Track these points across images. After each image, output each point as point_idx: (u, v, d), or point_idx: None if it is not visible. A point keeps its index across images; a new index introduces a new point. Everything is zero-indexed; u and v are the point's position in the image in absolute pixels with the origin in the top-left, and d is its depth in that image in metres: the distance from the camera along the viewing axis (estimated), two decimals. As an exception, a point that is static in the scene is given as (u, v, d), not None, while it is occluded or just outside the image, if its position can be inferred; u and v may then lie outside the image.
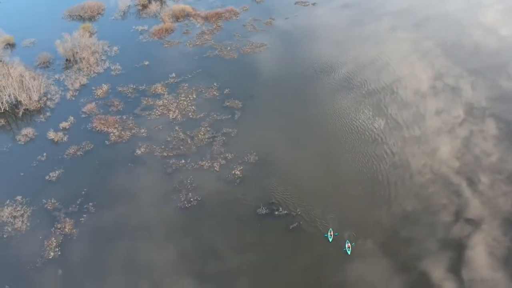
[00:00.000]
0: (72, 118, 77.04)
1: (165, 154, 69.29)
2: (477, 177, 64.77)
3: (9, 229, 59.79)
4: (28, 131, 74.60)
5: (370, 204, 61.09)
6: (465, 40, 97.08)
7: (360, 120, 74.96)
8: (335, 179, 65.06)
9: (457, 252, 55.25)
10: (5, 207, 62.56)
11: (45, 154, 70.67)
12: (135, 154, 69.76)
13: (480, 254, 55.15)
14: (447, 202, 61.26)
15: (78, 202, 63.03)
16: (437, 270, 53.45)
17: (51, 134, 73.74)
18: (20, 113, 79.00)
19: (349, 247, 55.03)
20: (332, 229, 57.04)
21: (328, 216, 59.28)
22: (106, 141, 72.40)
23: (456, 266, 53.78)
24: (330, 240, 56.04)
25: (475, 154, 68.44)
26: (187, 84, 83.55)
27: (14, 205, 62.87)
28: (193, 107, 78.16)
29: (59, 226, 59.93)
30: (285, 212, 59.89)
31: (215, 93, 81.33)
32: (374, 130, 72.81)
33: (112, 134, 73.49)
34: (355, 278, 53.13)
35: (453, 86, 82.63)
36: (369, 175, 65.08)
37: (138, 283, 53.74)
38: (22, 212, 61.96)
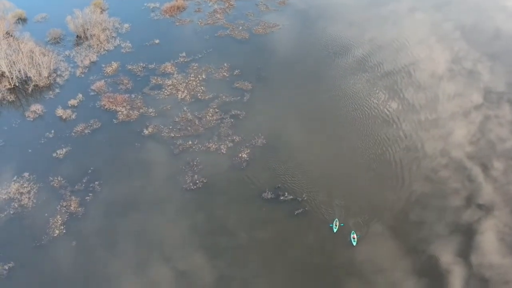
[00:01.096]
0: (80, 95, 76.61)
1: (173, 135, 68.64)
2: (490, 162, 64.15)
3: (16, 205, 60.02)
4: (37, 107, 74.45)
5: (381, 188, 60.49)
6: (485, 23, 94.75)
7: (373, 103, 74.03)
8: (345, 163, 64.14)
9: (467, 237, 55.15)
10: (13, 183, 62.75)
11: (53, 131, 70.55)
12: (142, 134, 69.24)
13: (490, 240, 54.97)
14: (459, 187, 60.96)
15: (84, 181, 62.92)
16: (446, 254, 53.37)
17: (60, 111, 73.49)
18: (30, 89, 78.80)
19: (354, 238, 54.08)
20: (338, 219, 56.05)
21: (335, 202, 58.49)
22: (114, 120, 71.94)
23: (465, 251, 53.73)
24: (335, 230, 55.11)
25: (490, 140, 67.73)
26: (197, 64, 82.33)
27: (21, 181, 63.01)
28: (202, 87, 77.09)
29: (64, 204, 59.99)
30: (291, 197, 59.13)
31: (225, 74, 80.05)
32: (388, 113, 72.04)
33: (120, 113, 72.98)
34: (362, 259, 52.95)
35: (470, 70, 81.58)
36: (381, 159, 64.34)
37: (141, 262, 53.68)
38: (29, 188, 62.10)
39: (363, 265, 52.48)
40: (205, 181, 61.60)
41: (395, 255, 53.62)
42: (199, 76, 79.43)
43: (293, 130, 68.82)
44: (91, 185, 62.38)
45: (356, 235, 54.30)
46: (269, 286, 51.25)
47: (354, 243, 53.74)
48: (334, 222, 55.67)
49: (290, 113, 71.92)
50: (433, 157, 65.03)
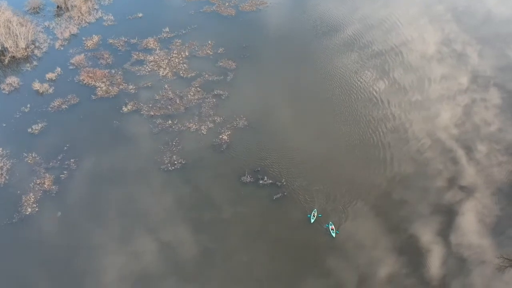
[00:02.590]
0: (59, 69, 74.20)
1: (152, 113, 66.96)
2: (474, 145, 64.71)
3: (-13, 182, 58.33)
4: (12, 80, 72.01)
5: (365, 170, 60.35)
6: (477, 6, 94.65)
7: (361, 83, 73.48)
8: (328, 147, 63.38)
9: (447, 217, 56.06)
10: (-15, 158, 60.89)
11: (29, 105, 68.38)
12: (121, 111, 67.44)
13: (470, 221, 55.94)
14: (442, 168, 61.46)
15: (59, 158, 61.26)
16: (427, 233, 54.21)
17: (36, 85, 71.17)
18: (6, 60, 76.16)
19: (332, 229, 53.31)
20: (316, 210, 55.08)
21: (315, 187, 57.68)
22: (92, 96, 69.89)
23: (445, 231, 54.69)
24: (312, 221, 54.14)
25: (475, 123, 68.08)
26: (180, 40, 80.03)
27: (-6, 157, 61.18)
28: (184, 65, 75.06)
29: (38, 181, 58.43)
30: (270, 181, 58.12)
31: (208, 51, 77.96)
32: (375, 93, 71.71)
33: (99, 88, 70.90)
34: (344, 237, 53.20)
35: (460, 53, 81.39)
36: (366, 140, 64.09)
37: (108, 243, 52.75)
38: (2, 164, 60.32)
39: (344, 243, 52.70)
40: (183, 162, 60.32)
41: (377, 233, 54.01)
42: (182, 53, 77.27)
43: (276, 112, 67.49)
44: (66, 163, 60.74)
45: (335, 229, 53.40)
46: (250, 260, 51.15)
47: (334, 235, 52.94)
48: (312, 212, 54.65)
49: (274, 94, 70.43)
50: (418, 138, 65.14)
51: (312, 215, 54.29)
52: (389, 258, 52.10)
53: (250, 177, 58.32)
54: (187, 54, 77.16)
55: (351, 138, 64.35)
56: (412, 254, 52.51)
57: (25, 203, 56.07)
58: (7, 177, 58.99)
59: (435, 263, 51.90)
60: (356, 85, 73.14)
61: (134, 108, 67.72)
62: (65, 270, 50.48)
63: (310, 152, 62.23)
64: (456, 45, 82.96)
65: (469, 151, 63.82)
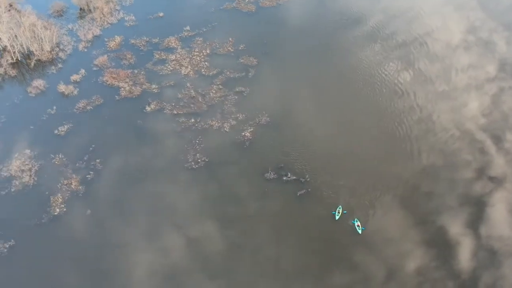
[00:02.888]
0: (83, 71, 75.28)
1: (175, 112, 67.28)
2: (503, 135, 63.38)
3: (17, 183, 59.61)
4: (39, 83, 73.37)
5: (391, 162, 59.70)
6: None
7: (385, 75, 72.50)
8: (352, 139, 62.72)
9: (477, 208, 55.09)
10: (14, 160, 62.24)
11: (54, 107, 69.57)
12: (145, 110, 67.99)
13: (500, 212, 54.83)
14: (471, 159, 60.50)
15: (85, 159, 62.16)
16: (456, 225, 53.34)
17: (62, 87, 72.38)
18: (32, 63, 77.60)
19: (358, 226, 52.66)
20: (341, 207, 54.42)
21: (339, 182, 57.03)
22: (116, 96, 70.67)
23: (475, 223, 53.73)
24: (337, 218, 53.58)
25: (503, 112, 66.70)
26: (201, 38, 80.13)
27: (23, 158, 62.46)
28: (206, 63, 75.14)
29: (65, 182, 59.42)
30: (294, 177, 57.73)
31: (229, 48, 77.82)
32: (400, 84, 70.78)
33: (122, 88, 71.64)
34: (371, 230, 52.71)
35: (486, 41, 79.73)
36: (392, 133, 63.32)
37: (136, 240, 53.28)
38: (30, 166, 61.57)
39: (372, 236, 52.13)
40: (207, 160, 60.47)
41: (404, 226, 53.40)
42: (203, 51, 77.36)
43: (299, 107, 66.95)
44: (92, 163, 61.62)
45: (360, 225, 52.74)
46: (277, 254, 51.17)
47: (360, 231, 52.31)
48: (337, 209, 54.02)
49: (296, 90, 69.88)
50: (446, 129, 64.11)
51: (337, 212, 53.71)
52: (417, 251, 51.38)
53: (274, 174, 58.05)
54: (208, 52, 77.22)
55: (375, 131, 63.46)
56: (441, 246, 51.68)
57: (53, 204, 57.09)
58: (36, 179, 60.17)
59: (464, 256, 50.98)
60: (380, 77, 72.02)
61: (157, 107, 68.16)
62: (95, 267, 51.26)
63: (333, 147, 61.62)
64: (482, 32, 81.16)
65: (498, 141, 62.43)
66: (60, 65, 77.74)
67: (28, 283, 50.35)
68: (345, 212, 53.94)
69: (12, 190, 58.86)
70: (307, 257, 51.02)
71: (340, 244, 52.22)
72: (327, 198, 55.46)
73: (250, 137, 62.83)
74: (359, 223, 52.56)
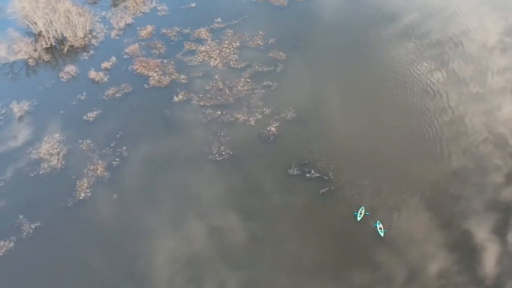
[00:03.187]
0: (114, 58, 76.19)
1: (202, 103, 67.51)
2: None
3: (45, 166, 60.97)
4: (70, 68, 74.69)
5: (418, 162, 58.73)
6: None
7: (417, 74, 70.94)
8: (379, 139, 61.73)
9: (504, 214, 53.90)
10: (44, 143, 63.66)
11: (85, 93, 70.79)
12: (172, 100, 68.45)
13: None
14: (501, 164, 59.13)
15: (112, 145, 63.09)
16: (482, 230, 52.32)
17: (93, 74, 73.50)
18: (65, 49, 78.97)
19: (381, 229, 51.80)
20: (364, 208, 53.63)
21: (363, 182, 56.28)
22: (145, 85, 71.34)
23: (502, 229, 52.59)
24: (359, 219, 52.80)
25: None
26: (232, 31, 79.88)
27: (52, 142, 63.82)
28: (235, 55, 74.97)
29: (92, 167, 60.47)
30: (317, 175, 57.21)
31: (259, 42, 77.38)
32: (433, 84, 69.19)
33: (151, 78, 72.24)
34: (394, 231, 52.14)
35: None
36: (421, 133, 62.11)
37: (160, 227, 54.06)
38: (59, 150, 62.87)
39: (395, 236, 51.52)
40: (231, 153, 60.54)
41: (429, 228, 52.55)
42: (233, 44, 77.19)
43: (326, 104, 66.22)
44: (118, 150, 62.50)
45: (383, 228, 51.87)
46: (298, 249, 51.15)
47: (382, 234, 51.44)
48: (360, 210, 53.21)
49: (324, 86, 69.09)
50: (478, 132, 62.62)
51: (359, 213, 52.96)
52: (441, 253, 50.57)
53: (297, 170, 57.71)
54: (238, 44, 77.01)
55: (404, 131, 62.27)
56: (465, 251, 50.78)
57: (79, 188, 58.20)
58: (63, 162, 61.43)
59: (489, 262, 49.92)
60: (412, 76, 70.49)
61: (185, 98, 68.53)
62: (119, 251, 52.34)
63: (359, 145, 60.75)
64: (520, 34, 78.18)
65: (531, 147, 60.25)
66: (92, 52, 78.88)
67: (52, 264, 51.74)
68: (367, 213, 53.13)
69: (40, 172, 60.25)
70: (328, 254, 50.79)
71: (362, 243, 51.71)
72: (350, 197, 54.79)
73: (275, 132, 62.50)
74: (381, 226, 51.66)
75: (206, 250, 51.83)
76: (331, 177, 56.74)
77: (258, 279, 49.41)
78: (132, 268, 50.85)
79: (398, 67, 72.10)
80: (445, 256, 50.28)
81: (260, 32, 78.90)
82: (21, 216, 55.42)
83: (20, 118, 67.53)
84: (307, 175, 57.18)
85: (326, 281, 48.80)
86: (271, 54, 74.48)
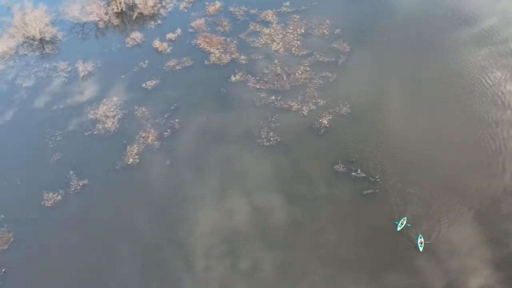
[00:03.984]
0: (179, 30, 77.27)
1: (258, 86, 67.26)
2: None
3: (100, 127, 63.40)
4: (137, 35, 76.59)
5: (476, 173, 55.51)
6: None
7: (489, 82, 66.16)
8: (435, 146, 58.53)
9: None
10: (101, 105, 66.09)
11: (147, 61, 72.47)
12: (229, 80, 68.63)
13: None
14: None
15: (165, 116, 64.45)
16: None
17: (157, 43, 74.96)
18: (134, 16, 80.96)
19: (421, 243, 49.52)
20: (406, 219, 51.54)
21: (408, 190, 53.98)
22: (205, 61, 71.97)
23: None
24: (399, 229, 50.82)
25: None
26: (298, 16, 78.44)
27: (109, 105, 66.16)
28: (298, 42, 73.79)
29: (143, 135, 62.15)
30: (363, 175, 55.73)
31: (325, 31, 75.57)
32: (504, 95, 64.18)
33: (213, 54, 72.71)
34: (438, 239, 50.17)
35: None
36: (481, 144, 58.37)
37: (199, 199, 55.25)
38: (115, 113, 65.06)
39: (438, 244, 49.60)
40: (279, 140, 60.12)
41: (475, 242, 49.91)
42: (298, 30, 75.93)
43: (384, 103, 63.79)
44: (171, 121, 63.76)
45: (424, 240, 49.71)
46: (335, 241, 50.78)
47: (421, 249, 49.24)
48: (401, 220, 51.23)
49: (385, 85, 66.49)
50: None
51: (400, 223, 51.01)
52: (484, 269, 47.94)
53: (343, 167, 56.47)
54: (302, 31, 75.66)
55: (464, 142, 58.81)
56: (511, 271, 47.70)
57: (129, 153, 60.12)
58: (117, 126, 63.57)
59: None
60: (482, 85, 65.92)
61: (242, 78, 68.53)
62: (162, 217, 54.13)
63: (413, 151, 58.25)
64: None
65: None
66: (159, 21, 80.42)
67: (95, 220, 54.35)
68: (409, 225, 51.07)
69: (95, 133, 62.74)
70: (365, 251, 49.70)
71: (401, 245, 50.15)
72: (394, 204, 52.82)
73: (327, 125, 61.30)
74: (422, 240, 49.52)
75: (246, 227, 52.48)
76: (378, 180, 55.03)
77: (293, 264, 49.46)
78: (175, 230, 52.66)
79: (467, 73, 67.82)
80: (489, 273, 47.67)
81: (327, 21, 76.98)
82: (71, 172, 58.14)
83: (83, 78, 70.37)
84: (353, 173, 55.83)
85: (361, 277, 47.91)
86: (334, 45, 72.66)
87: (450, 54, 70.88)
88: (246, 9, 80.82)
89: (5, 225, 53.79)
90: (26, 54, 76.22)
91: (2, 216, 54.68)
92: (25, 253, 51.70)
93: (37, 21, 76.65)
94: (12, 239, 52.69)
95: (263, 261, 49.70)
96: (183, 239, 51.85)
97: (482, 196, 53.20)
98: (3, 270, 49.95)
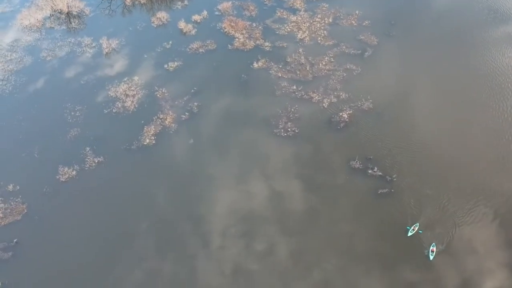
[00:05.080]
0: (205, 12, 76.53)
1: (280, 74, 66.17)
2: None
3: (119, 106, 63.50)
4: (162, 15, 76.11)
5: (500, 176, 53.44)
6: None
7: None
8: (458, 149, 56.43)
9: None
10: (122, 83, 66.12)
11: (171, 42, 72.07)
12: (251, 66, 67.73)
13: None
14: None
15: (185, 99, 64.08)
16: None
17: (182, 24, 74.40)
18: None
19: (432, 252, 47.79)
20: (418, 225, 49.96)
21: (425, 191, 52.42)
22: (229, 45, 71.14)
23: None
24: (409, 234, 49.32)
25: None
26: (327, 5, 76.62)
27: (130, 84, 66.15)
28: (325, 31, 72.13)
29: (161, 116, 61.99)
30: (380, 173, 54.41)
31: (353, 22, 73.61)
32: None
33: (237, 39, 71.81)
34: (457, 236, 49.05)
35: None
36: (508, 148, 56.04)
37: (218, 179, 55.40)
38: (135, 92, 65.03)
39: (456, 242, 48.52)
40: (296, 132, 59.14)
41: (494, 243, 48.56)
42: (325, 19, 74.19)
43: (408, 101, 61.94)
44: (190, 104, 63.37)
45: (435, 250, 48.09)
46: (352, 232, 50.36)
47: (431, 258, 47.60)
48: (413, 226, 49.68)
49: (411, 82, 64.52)
50: None
51: (412, 228, 49.54)
52: (501, 272, 46.67)
53: (360, 164, 55.22)
54: (330, 20, 73.90)
55: (490, 145, 56.57)
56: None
57: (145, 133, 60.07)
58: (136, 106, 63.55)
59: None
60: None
61: (264, 65, 67.54)
62: (180, 197, 54.34)
63: (433, 152, 56.45)
64: None
65: None
66: (186, 2, 79.77)
67: (108, 198, 54.79)
68: (420, 231, 49.53)
69: (114, 111, 62.88)
70: (381, 244, 48.89)
71: (418, 239, 49.12)
72: (407, 206, 51.47)
73: (347, 120, 59.94)
74: (433, 248, 48.00)
75: (263, 210, 52.30)
76: (395, 179, 53.63)
77: (307, 250, 49.12)
78: (193, 207, 52.97)
79: (500, 75, 64.95)
80: (505, 276, 46.33)
81: (356, 12, 74.94)
82: (88, 149, 58.49)
83: (107, 55, 70.47)
84: (369, 171, 54.56)
85: (374, 268, 47.17)
86: (362, 37, 70.74)
87: (483, 53, 68.00)
88: (275, -6, 79.28)
89: (20, 196, 54.53)
90: (53, 27, 76.76)
91: (18, 187, 55.40)
92: (38, 226, 52.45)
93: (65, -6, 77.05)
94: (25, 211, 53.45)
95: (277, 245, 49.53)
96: (201, 217, 52.04)
97: (505, 199, 51.47)
98: (15, 240, 50.71)
